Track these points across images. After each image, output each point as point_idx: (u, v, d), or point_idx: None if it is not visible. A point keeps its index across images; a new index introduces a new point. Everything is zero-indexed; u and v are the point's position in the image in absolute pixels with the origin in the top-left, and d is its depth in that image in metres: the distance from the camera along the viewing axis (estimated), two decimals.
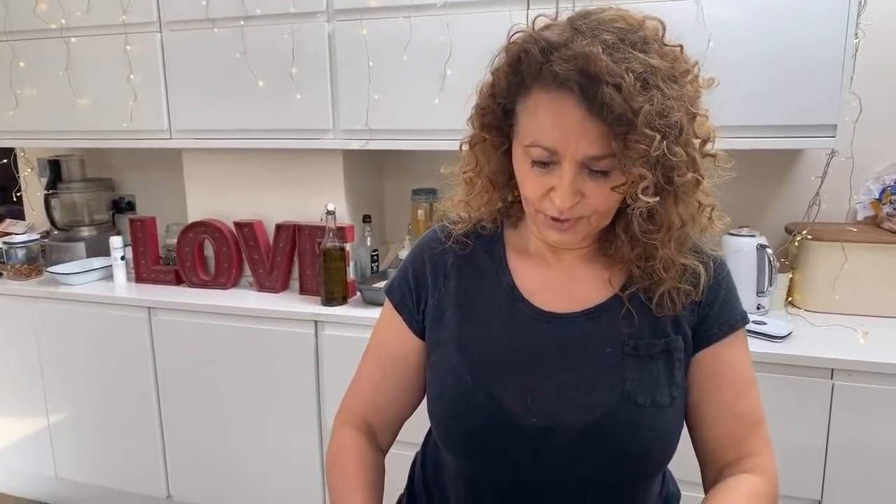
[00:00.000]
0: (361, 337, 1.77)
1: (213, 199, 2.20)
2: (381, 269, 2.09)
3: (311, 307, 1.91)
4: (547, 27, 0.75)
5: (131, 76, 2.09)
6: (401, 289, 0.94)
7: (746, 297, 1.73)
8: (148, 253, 2.19)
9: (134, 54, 2.08)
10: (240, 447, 2.02)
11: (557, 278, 0.87)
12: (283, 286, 2.08)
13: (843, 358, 1.46)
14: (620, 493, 0.83)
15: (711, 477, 0.85)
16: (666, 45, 0.73)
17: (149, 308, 2.04)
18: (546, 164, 0.75)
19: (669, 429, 0.81)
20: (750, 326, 1.57)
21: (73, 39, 2.14)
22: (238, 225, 2.09)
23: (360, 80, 1.87)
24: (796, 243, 1.79)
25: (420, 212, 2.13)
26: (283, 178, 2.11)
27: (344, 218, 2.04)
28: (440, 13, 1.77)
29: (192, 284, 2.14)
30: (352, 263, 1.98)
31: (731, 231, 1.77)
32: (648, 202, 0.72)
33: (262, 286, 2.09)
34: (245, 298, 2.04)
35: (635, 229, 0.77)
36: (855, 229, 1.75)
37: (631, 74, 0.68)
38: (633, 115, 0.68)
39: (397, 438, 0.99)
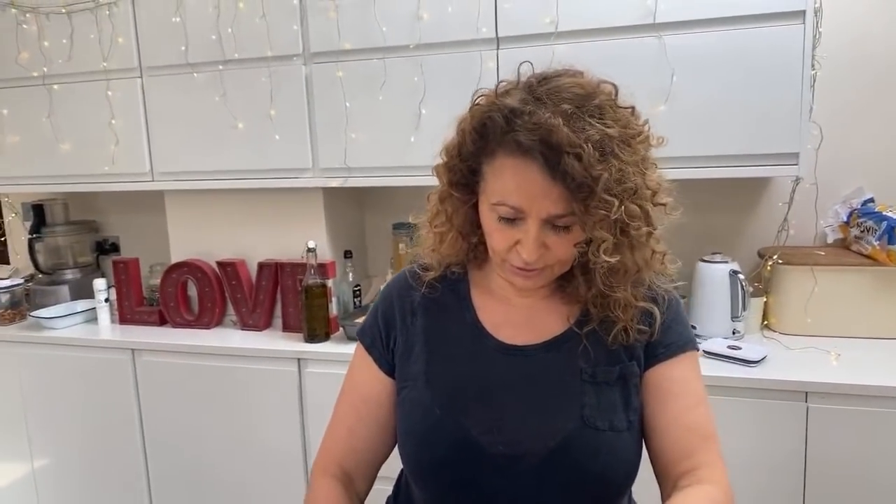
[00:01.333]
0: (345, 373, 1.80)
1: (195, 239, 2.22)
2: (363, 303, 2.11)
3: (294, 344, 1.92)
4: (507, 93, 0.81)
5: (113, 121, 2.13)
6: (371, 331, 0.99)
7: (721, 322, 1.76)
8: (131, 294, 2.21)
9: (115, 99, 2.12)
10: (226, 488, 2.01)
11: (519, 314, 0.92)
12: (266, 324, 2.09)
13: (817, 381, 1.49)
14: None
15: (667, 491, 0.87)
16: (619, 107, 0.79)
17: (132, 350, 2.05)
18: (512, 219, 0.80)
19: (629, 451, 0.85)
20: (725, 351, 1.61)
21: (56, 87, 2.18)
22: (221, 264, 2.11)
23: (337, 119, 1.92)
24: (769, 268, 1.83)
25: (401, 246, 2.16)
26: (264, 217, 2.14)
27: (325, 254, 2.07)
28: (413, 54, 1.82)
29: (176, 325, 2.15)
30: (334, 299, 2.00)
31: (705, 257, 1.81)
32: (609, 261, 0.79)
33: (245, 325, 2.10)
34: (229, 337, 2.05)
35: (598, 282, 0.84)
36: (823, 253, 1.79)
37: (589, 144, 0.73)
38: (592, 183, 0.74)
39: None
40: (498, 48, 1.76)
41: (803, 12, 1.56)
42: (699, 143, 1.66)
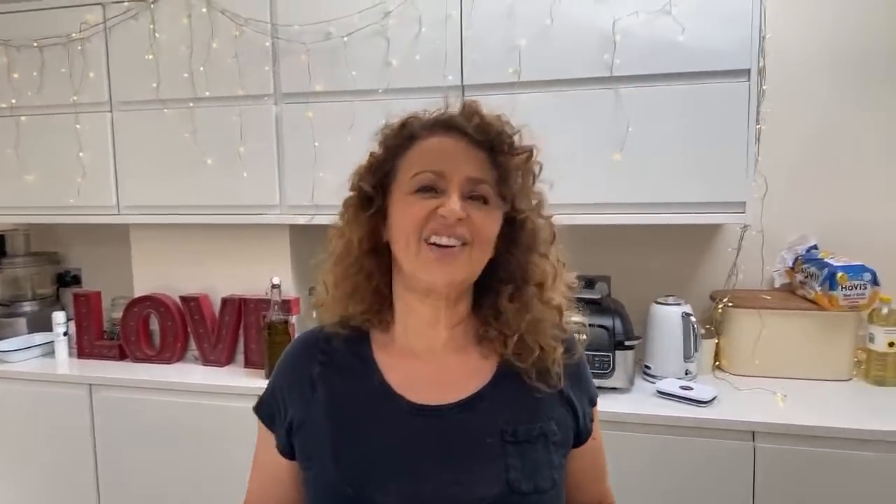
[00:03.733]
0: None
1: (159, 274, 2.22)
2: None
3: (256, 381, 1.92)
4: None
5: (81, 153, 2.13)
6: (269, 406, 0.92)
7: (675, 362, 1.82)
8: (91, 328, 2.18)
9: (84, 132, 2.13)
10: None
11: (429, 370, 0.86)
12: (228, 360, 2.09)
13: (764, 421, 1.54)
14: None
15: None
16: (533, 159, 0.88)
17: (90, 384, 2.02)
18: (432, 189, 0.81)
19: None
20: (677, 391, 1.66)
21: (23, 118, 2.18)
22: (184, 299, 2.11)
23: (306, 158, 1.95)
24: (719, 310, 1.90)
25: None
26: (230, 253, 2.15)
27: (290, 291, 2.08)
28: (381, 98, 1.88)
29: (137, 359, 2.13)
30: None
31: (659, 299, 1.87)
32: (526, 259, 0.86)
33: (207, 360, 2.09)
34: (190, 373, 2.04)
35: (504, 306, 0.86)
36: (770, 297, 1.87)
37: (509, 129, 0.86)
38: (510, 153, 0.84)
39: None
40: (463, 95, 1.83)
41: (748, 70, 1.67)
42: (653, 190, 1.74)
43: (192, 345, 2.14)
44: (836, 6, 1.93)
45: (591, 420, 0.93)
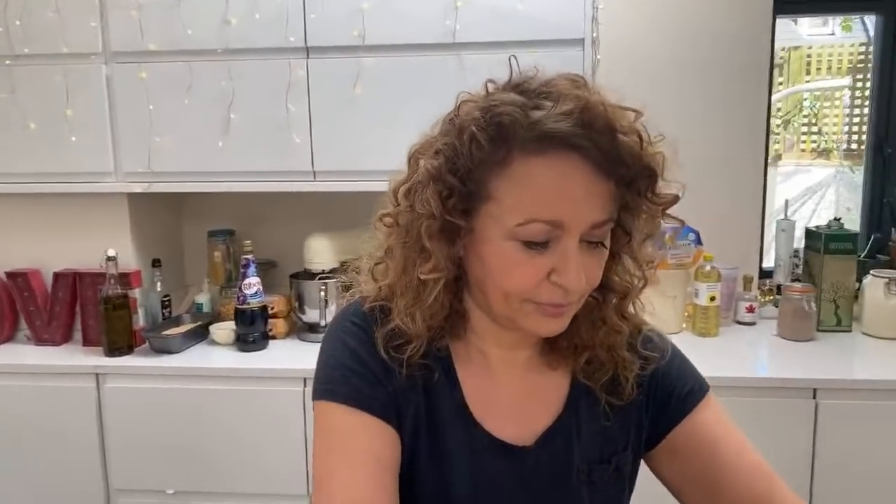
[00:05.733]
0: (148, 387, 1.73)
1: None
2: (174, 314, 2.04)
3: (93, 359, 1.81)
4: (496, 94, 0.66)
5: None
6: (369, 390, 0.72)
7: None
8: None
9: None
10: None
11: (506, 395, 0.76)
12: (64, 338, 1.95)
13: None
14: None
15: None
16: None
17: None
18: (544, 243, 0.63)
19: None
20: None
21: None
22: (10, 275, 1.94)
23: (141, 122, 1.84)
24: None
25: (217, 254, 2.11)
26: (62, 224, 2.00)
27: (131, 263, 1.97)
28: (221, 59, 1.80)
29: None
30: (141, 310, 1.92)
31: None
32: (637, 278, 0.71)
33: (40, 339, 1.95)
34: (19, 353, 1.89)
35: (611, 318, 0.73)
36: None
37: (629, 122, 0.63)
38: (651, 164, 0.64)
39: None
40: (308, 57, 1.78)
41: (582, 40, 1.73)
42: None
43: (24, 324, 1.99)
44: None
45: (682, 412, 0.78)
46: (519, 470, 0.74)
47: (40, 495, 1.83)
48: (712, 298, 1.93)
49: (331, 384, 0.71)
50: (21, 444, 1.81)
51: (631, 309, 0.75)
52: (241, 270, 1.87)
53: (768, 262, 2.26)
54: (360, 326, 0.73)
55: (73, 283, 1.93)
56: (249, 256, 1.86)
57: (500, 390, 0.75)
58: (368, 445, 0.68)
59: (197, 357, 1.85)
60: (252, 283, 1.86)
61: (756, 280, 2.10)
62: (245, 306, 1.85)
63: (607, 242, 0.67)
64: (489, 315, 0.73)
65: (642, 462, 0.81)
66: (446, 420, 0.73)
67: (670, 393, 0.77)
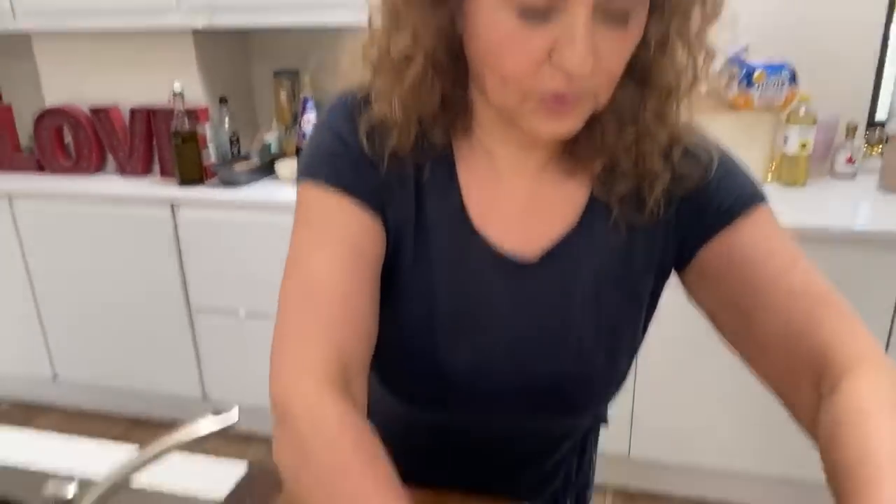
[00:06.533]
0: (219, 218, 1.82)
1: (68, 85, 2.14)
2: (242, 152, 2.09)
3: (168, 190, 1.92)
4: None
5: None
6: (342, 164, 0.64)
7: None
8: (7, 141, 2.15)
9: None
10: (116, 330, 2.08)
11: (513, 203, 0.67)
12: (145, 170, 2.08)
13: None
14: (551, 431, 0.77)
15: (802, 398, 0.57)
16: None
17: (10, 197, 2.03)
18: (543, 12, 0.51)
19: (625, 376, 0.71)
20: None
21: None
22: (94, 111, 2.05)
23: None
24: None
25: (283, 94, 2.11)
26: (135, 61, 2.06)
27: (199, 100, 2.01)
28: None
29: (55, 171, 2.12)
30: (210, 146, 1.98)
31: None
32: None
33: (124, 171, 2.08)
34: (107, 184, 2.04)
35: (646, 111, 0.59)
36: None
37: None
38: None
39: None
40: None
41: None
42: None
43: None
44: None
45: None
46: (517, 288, 0.65)
47: (130, 316, 2.03)
48: (804, 145, 1.73)
49: (313, 165, 0.64)
50: (109, 268, 2.00)
51: (674, 113, 0.60)
52: (301, 108, 1.87)
53: (882, 113, 1.98)
54: (348, 113, 0.65)
55: (147, 119, 2.01)
56: (308, 95, 1.85)
57: (506, 197, 0.66)
58: (345, 230, 0.61)
59: (262, 191, 1.91)
60: (311, 121, 1.86)
61: (862, 129, 1.86)
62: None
63: (638, 23, 0.53)
64: (494, 108, 0.62)
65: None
66: (439, 223, 0.65)
67: (706, 207, 0.63)
